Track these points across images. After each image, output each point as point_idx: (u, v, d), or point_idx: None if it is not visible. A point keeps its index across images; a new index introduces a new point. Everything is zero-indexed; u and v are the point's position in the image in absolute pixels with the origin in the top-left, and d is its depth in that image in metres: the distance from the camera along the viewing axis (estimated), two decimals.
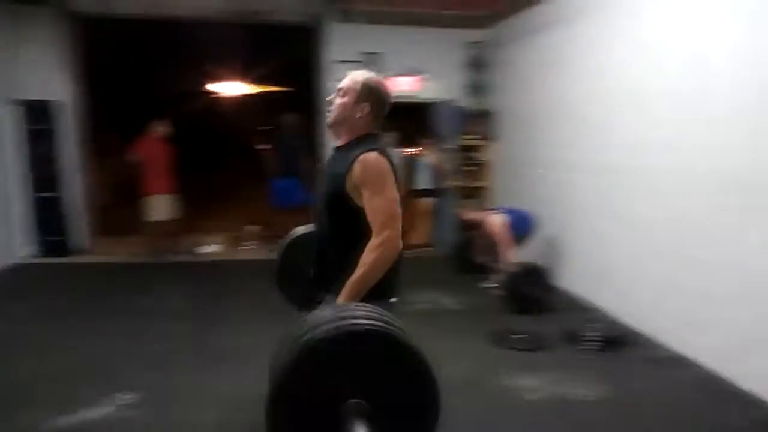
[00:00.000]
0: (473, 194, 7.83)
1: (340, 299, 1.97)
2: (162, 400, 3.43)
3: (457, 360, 4.06)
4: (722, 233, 3.77)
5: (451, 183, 7.69)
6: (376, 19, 7.45)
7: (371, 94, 2.17)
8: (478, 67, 7.89)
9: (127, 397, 3.41)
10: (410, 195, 7.96)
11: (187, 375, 3.81)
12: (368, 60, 7.66)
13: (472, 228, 6.09)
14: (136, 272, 6.57)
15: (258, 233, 7.84)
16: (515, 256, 5.55)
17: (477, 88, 7.91)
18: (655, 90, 4.42)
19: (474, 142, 7.91)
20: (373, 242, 1.98)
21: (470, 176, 7.96)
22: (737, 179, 3.64)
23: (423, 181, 7.70)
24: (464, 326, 4.82)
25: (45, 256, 7.04)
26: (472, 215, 6.11)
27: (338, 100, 2.19)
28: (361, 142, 2.13)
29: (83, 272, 6.61)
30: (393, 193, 2.05)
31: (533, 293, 5.12)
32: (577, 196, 5.64)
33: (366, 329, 1.50)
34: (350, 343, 1.48)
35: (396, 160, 2.15)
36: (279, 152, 7.60)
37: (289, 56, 7.71)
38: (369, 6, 7.14)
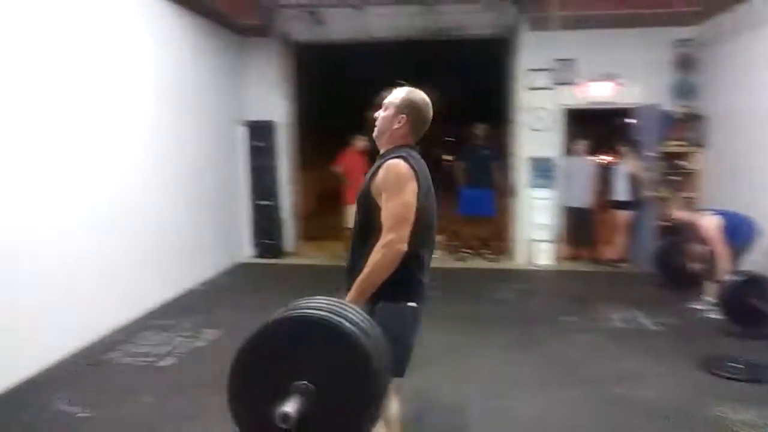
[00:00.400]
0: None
1: (349, 295, 2.10)
2: None
3: (661, 385, 3.80)
4: None
5: (652, 193, 7.13)
6: (570, 24, 7.21)
7: (409, 107, 2.30)
8: (686, 67, 7.24)
9: None
10: (605, 206, 7.57)
11: None
12: (561, 67, 7.49)
13: (679, 231, 5.44)
14: (337, 274, 7.17)
15: (443, 243, 8.03)
16: (735, 264, 4.84)
17: (684, 91, 7.26)
18: None
19: (680, 149, 7.27)
20: (379, 243, 2.07)
21: (675, 186, 7.31)
22: None
23: (620, 192, 7.26)
24: (667, 348, 4.45)
25: (261, 256, 8.01)
26: (679, 215, 5.30)
27: (381, 114, 2.35)
28: (396, 150, 2.25)
29: (293, 272, 7.42)
30: (408, 199, 2.11)
31: (762, 308, 4.42)
32: None
33: (306, 318, 1.63)
34: (298, 328, 1.63)
35: (425, 170, 2.26)
36: (469, 162, 7.75)
37: (479, 67, 7.85)
38: (563, 11, 6.96)
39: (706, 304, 5.10)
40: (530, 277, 7.09)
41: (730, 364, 3.91)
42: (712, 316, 4.81)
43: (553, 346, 4.55)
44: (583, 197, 7.50)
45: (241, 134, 7.86)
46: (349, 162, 7.54)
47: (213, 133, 7.04)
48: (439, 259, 7.81)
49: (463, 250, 7.88)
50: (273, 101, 7.99)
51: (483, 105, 9.04)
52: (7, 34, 3.79)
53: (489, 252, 7.79)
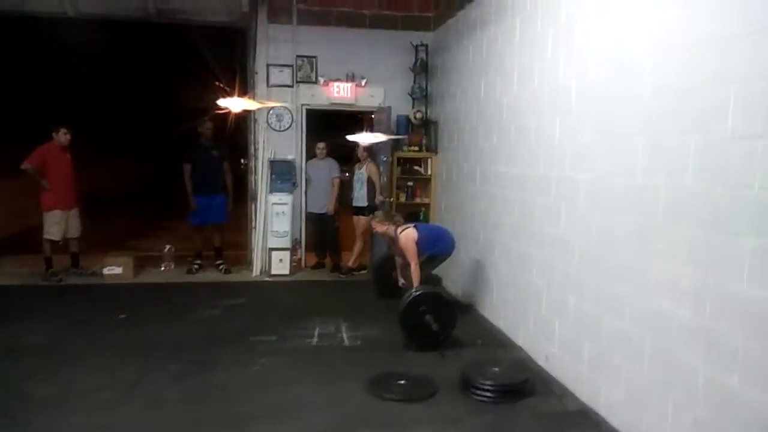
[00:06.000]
0: (414, 211, 7.09)
1: None
2: None
3: (318, 415, 3.35)
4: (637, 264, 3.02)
5: (388, 199, 6.92)
6: (310, 19, 6.92)
7: None
8: (422, 72, 7.19)
9: None
10: (347, 212, 7.21)
11: None
12: (303, 64, 7.04)
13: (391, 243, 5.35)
14: (21, 296, 5.86)
15: (171, 254, 7.07)
16: (421, 278, 4.79)
17: (419, 96, 7.20)
18: (578, 92, 3.67)
19: (416, 155, 7.18)
20: None
21: (413, 191, 7.25)
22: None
23: (359, 197, 6.92)
24: (350, 368, 4.02)
25: None
26: (379, 228, 5.21)
27: None
28: None
29: None
30: None
31: (430, 324, 4.22)
32: (501, 214, 4.89)
33: None
34: None
35: None
36: (196, 165, 6.79)
37: (212, 57, 7.11)
38: (302, 4, 6.71)
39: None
40: (257, 289, 6.37)
41: (394, 383, 3.60)
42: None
43: (227, 374, 3.91)
44: (324, 203, 7.09)
45: None
46: (49, 159, 6.24)
47: None
48: (162, 274, 6.83)
49: (195, 261, 6.95)
50: None
51: (217, 99, 8.21)
52: None
53: (223, 263, 6.99)
